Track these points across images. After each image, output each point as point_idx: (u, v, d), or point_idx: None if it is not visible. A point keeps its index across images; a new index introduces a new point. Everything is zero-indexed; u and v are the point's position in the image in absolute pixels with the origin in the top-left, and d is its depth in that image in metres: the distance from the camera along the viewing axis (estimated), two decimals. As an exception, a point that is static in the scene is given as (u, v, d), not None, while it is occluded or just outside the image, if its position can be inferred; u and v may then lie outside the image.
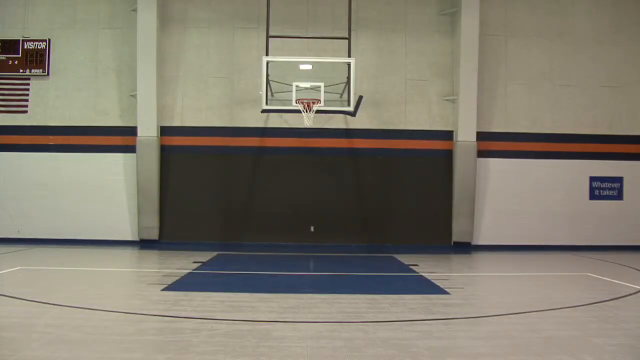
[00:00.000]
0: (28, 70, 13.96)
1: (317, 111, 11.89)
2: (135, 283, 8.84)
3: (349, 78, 11.47)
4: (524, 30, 14.36)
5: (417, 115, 14.20)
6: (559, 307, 6.86)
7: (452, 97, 14.09)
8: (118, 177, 13.87)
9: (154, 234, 13.71)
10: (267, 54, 11.37)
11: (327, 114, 13.10)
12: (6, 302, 6.70)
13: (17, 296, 6.94)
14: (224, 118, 14.03)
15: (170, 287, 7.90)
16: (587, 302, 7.10)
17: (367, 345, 5.05)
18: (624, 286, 8.46)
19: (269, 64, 11.31)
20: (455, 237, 13.94)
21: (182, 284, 8.29)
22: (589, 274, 9.86)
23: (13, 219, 13.80)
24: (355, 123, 13.78)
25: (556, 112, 14.35)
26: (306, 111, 11.71)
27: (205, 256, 11.61)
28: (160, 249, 13.21)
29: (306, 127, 12.20)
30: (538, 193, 14.15)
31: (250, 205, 13.89)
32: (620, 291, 8.01)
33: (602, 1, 14.47)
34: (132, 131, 13.72)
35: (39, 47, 13.96)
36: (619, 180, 14.35)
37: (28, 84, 14.05)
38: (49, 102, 14.03)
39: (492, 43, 14.24)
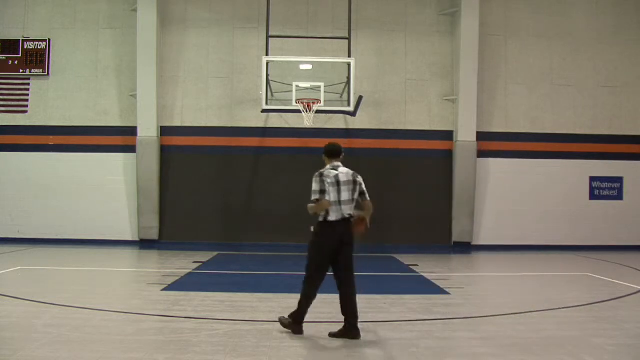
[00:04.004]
0: (28, 70, 13.96)
1: (317, 111, 11.90)
2: (135, 283, 8.84)
3: (349, 78, 11.47)
4: (524, 30, 14.34)
5: (417, 115, 14.19)
6: (559, 307, 6.86)
7: (452, 97, 14.09)
8: (118, 177, 13.85)
9: (154, 234, 13.70)
10: (267, 54, 11.38)
11: (327, 114, 13.09)
12: (6, 302, 6.70)
13: (17, 296, 6.94)
14: (224, 118, 14.02)
15: (170, 287, 7.90)
16: (587, 302, 7.10)
17: (367, 345, 5.05)
18: (624, 286, 8.46)
19: (269, 64, 11.32)
20: (455, 237, 13.92)
21: (182, 284, 8.29)
22: (589, 274, 9.86)
23: (13, 219, 13.78)
24: (355, 123, 13.77)
25: (556, 112, 14.34)
26: (306, 111, 11.72)
27: (205, 256, 11.60)
28: (160, 249, 13.21)
29: (306, 127, 12.20)
30: (538, 193, 14.13)
31: (250, 205, 13.88)
32: (620, 291, 8.01)
33: (602, 1, 14.45)
34: (132, 131, 13.71)
35: (39, 47, 13.95)
36: (619, 180, 14.34)
37: (28, 84, 14.04)
38: (49, 102, 14.02)
39: (492, 43, 14.22)
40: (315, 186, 5.31)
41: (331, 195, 5.26)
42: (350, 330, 5.25)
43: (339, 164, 5.49)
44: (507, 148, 14.17)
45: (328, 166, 5.46)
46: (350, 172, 5.45)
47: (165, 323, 5.79)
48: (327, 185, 5.26)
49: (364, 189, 5.44)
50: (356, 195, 5.37)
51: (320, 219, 5.35)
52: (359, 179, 5.44)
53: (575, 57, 14.37)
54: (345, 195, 5.30)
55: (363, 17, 14.04)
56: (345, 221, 5.31)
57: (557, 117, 14.33)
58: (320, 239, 5.36)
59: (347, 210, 5.31)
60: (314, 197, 5.29)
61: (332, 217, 5.28)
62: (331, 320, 6.02)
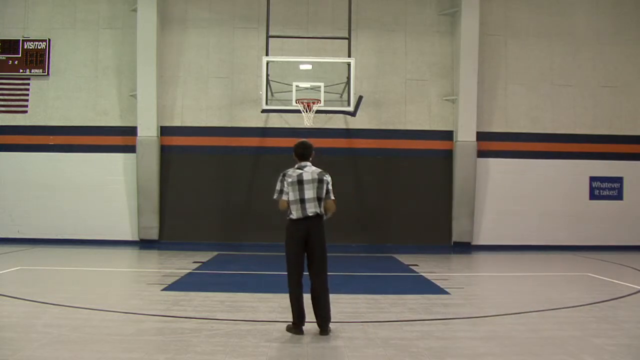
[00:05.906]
0: (28, 70, 13.96)
1: (317, 111, 11.90)
2: (135, 283, 8.84)
3: (349, 78, 11.48)
4: (524, 30, 14.34)
5: (417, 115, 14.19)
6: (559, 307, 6.86)
7: (452, 97, 14.09)
8: (118, 177, 13.85)
9: (154, 234, 13.70)
10: (267, 54, 11.38)
11: (327, 114, 13.09)
12: (6, 302, 6.70)
13: (17, 296, 6.94)
14: (224, 118, 14.02)
15: (170, 287, 7.91)
16: (587, 302, 7.10)
17: (367, 345, 5.05)
18: (624, 286, 8.46)
19: (269, 64, 11.32)
20: (455, 237, 13.92)
21: (182, 284, 8.29)
22: (589, 274, 9.86)
23: (13, 219, 13.78)
24: (355, 123, 13.77)
25: (556, 112, 14.34)
26: (306, 111, 11.72)
27: (205, 256, 11.60)
28: (160, 249, 13.21)
29: (306, 127, 12.19)
30: (538, 193, 14.13)
31: (250, 205, 13.87)
32: (620, 291, 8.01)
33: (602, 2, 14.46)
34: (132, 131, 13.71)
35: (39, 47, 13.95)
36: (619, 180, 14.34)
37: (28, 84, 14.04)
38: (49, 102, 14.02)
39: (492, 43, 14.22)
40: (277, 185, 5.52)
41: (290, 195, 5.41)
42: (320, 331, 5.39)
43: (307, 163, 5.55)
44: (507, 148, 14.17)
45: (296, 165, 5.55)
46: (317, 170, 5.52)
47: (165, 323, 5.79)
48: (286, 185, 5.43)
49: (330, 188, 5.52)
50: (323, 194, 5.43)
51: (288, 216, 5.48)
52: (326, 177, 5.50)
53: (575, 57, 14.37)
54: (308, 193, 5.39)
55: (363, 17, 14.04)
56: (308, 219, 5.39)
57: (557, 117, 14.33)
58: (287, 235, 5.48)
59: (311, 208, 5.39)
60: (274, 195, 5.51)
61: (294, 215, 5.41)
62: (331, 320, 6.01)
